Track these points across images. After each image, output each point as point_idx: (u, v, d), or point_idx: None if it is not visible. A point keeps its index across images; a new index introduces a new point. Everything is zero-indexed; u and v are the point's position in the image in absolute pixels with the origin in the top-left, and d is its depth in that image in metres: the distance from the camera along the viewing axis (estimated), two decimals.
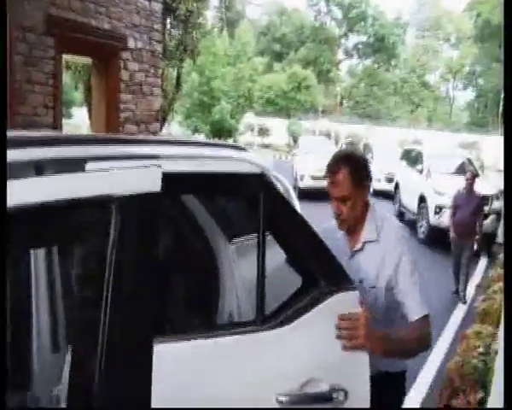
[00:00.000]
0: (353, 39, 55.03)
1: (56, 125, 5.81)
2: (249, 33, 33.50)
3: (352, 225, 2.08)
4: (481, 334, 4.41)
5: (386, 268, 2.00)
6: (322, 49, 50.61)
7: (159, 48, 7.85)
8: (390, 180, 14.46)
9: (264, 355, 1.55)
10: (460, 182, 7.63)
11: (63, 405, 1.41)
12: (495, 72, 40.53)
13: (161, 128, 12.95)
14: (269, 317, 1.59)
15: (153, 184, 1.43)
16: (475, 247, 7.19)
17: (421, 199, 10.47)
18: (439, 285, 7.02)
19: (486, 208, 8.62)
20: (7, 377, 1.28)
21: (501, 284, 5.92)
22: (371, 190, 2.74)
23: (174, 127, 28.58)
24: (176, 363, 1.43)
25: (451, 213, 7.23)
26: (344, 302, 1.65)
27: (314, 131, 33.45)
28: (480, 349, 4.04)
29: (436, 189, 9.99)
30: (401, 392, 2.23)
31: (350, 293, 1.67)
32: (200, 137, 27.07)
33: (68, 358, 1.39)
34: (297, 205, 2.83)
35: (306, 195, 13.30)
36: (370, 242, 2.06)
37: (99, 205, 1.38)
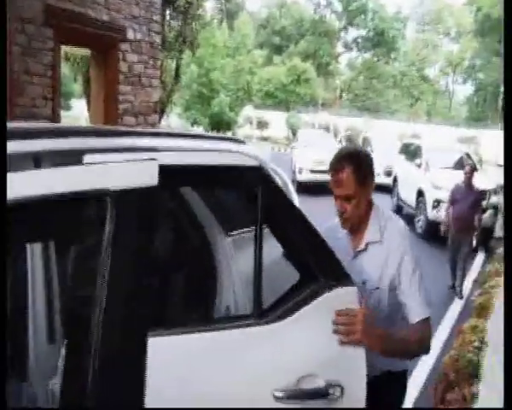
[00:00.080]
0: (353, 33, 54.83)
1: (55, 117, 5.79)
2: (249, 26, 33.43)
3: (355, 224, 2.06)
4: (477, 328, 4.43)
5: (389, 268, 1.98)
6: (321, 42, 50.37)
7: (158, 39, 7.82)
8: (389, 174, 14.42)
9: (260, 349, 1.55)
10: (458, 176, 7.62)
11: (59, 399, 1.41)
12: (495, 66, 40.41)
13: (160, 120, 12.91)
14: (266, 311, 1.58)
15: (150, 177, 1.42)
16: (474, 242, 7.17)
17: (420, 193, 10.45)
18: (435, 280, 7.02)
19: (484, 203, 8.60)
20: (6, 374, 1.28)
21: (498, 279, 5.94)
22: None
23: (173, 119, 28.42)
24: (172, 356, 1.43)
25: (447, 208, 7.22)
26: (341, 297, 1.65)
27: (313, 125, 33.33)
28: (476, 343, 4.06)
29: (434, 183, 9.97)
30: (403, 391, 2.22)
31: (348, 288, 1.67)
32: (199, 130, 27.03)
33: (63, 352, 1.39)
34: (295, 199, 2.83)
35: (305, 188, 13.29)
36: (374, 243, 2.03)
37: (95, 198, 1.37)
